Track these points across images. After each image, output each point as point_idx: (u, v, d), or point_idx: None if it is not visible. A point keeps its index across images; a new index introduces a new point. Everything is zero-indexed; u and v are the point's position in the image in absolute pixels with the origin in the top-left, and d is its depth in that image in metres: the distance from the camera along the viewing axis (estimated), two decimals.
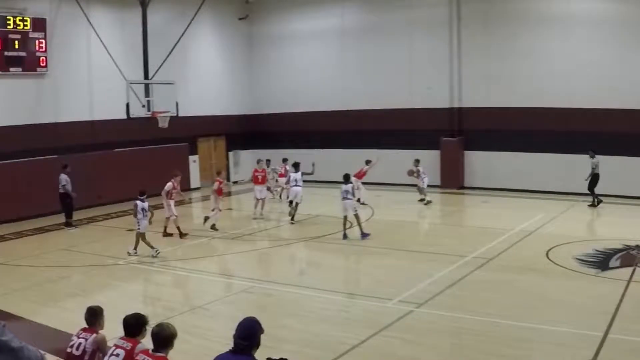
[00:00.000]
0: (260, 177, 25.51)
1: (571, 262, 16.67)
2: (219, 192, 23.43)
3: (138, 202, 19.19)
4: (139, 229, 19.15)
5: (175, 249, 20.42)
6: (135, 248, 19.24)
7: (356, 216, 20.99)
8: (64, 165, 24.57)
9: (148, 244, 19.13)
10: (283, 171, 28.97)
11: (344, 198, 20.87)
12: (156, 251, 19.10)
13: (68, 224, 24.43)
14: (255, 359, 6.10)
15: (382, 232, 21.02)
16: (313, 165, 26.41)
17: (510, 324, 12.13)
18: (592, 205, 25.46)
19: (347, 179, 21.48)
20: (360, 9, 33.88)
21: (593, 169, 25.24)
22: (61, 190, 24.18)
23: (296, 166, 25.43)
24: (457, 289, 14.91)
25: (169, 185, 22.12)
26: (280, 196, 29.28)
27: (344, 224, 21.07)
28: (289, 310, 13.89)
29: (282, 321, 12.69)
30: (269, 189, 28.10)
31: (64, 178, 24.21)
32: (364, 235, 20.63)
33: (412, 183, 28.20)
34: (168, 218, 22.21)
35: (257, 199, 25.28)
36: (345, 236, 20.79)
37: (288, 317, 13.21)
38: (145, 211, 19.23)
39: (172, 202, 22.06)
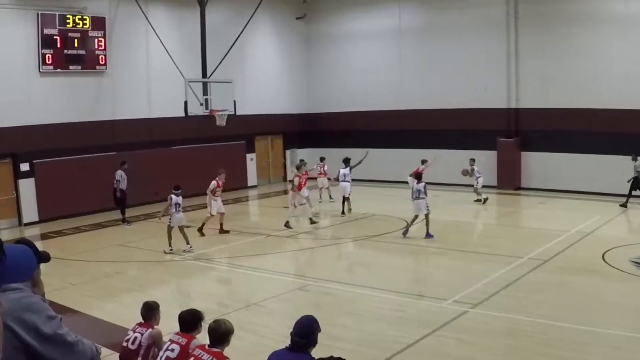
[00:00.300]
0: (303, 181, 25.21)
1: (627, 264, 16.43)
2: (299, 187, 23.43)
3: (173, 196, 19.44)
4: (170, 222, 19.44)
5: (231, 246, 20.64)
6: (187, 243, 19.56)
7: (426, 215, 20.92)
8: (122, 161, 25.03)
9: (170, 238, 19.48)
10: (322, 171, 28.68)
11: (417, 197, 20.75)
12: (170, 249, 19.47)
13: (123, 220, 24.86)
14: (313, 357, 6.18)
15: (439, 232, 20.92)
16: (367, 152, 26.55)
17: (565, 326, 12.02)
18: (623, 205, 25.39)
19: (419, 178, 21.36)
20: (417, 8, 33.76)
21: (638, 171, 25.04)
22: (115, 186, 24.63)
23: (346, 162, 25.53)
24: (513, 289, 14.84)
25: (213, 183, 22.20)
26: (320, 195, 28.97)
27: (412, 222, 21.16)
28: (344, 309, 13.97)
29: (337, 320, 12.78)
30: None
31: (118, 174, 24.68)
32: (429, 236, 20.56)
33: (469, 183, 28.02)
34: (222, 214, 22.43)
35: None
36: (405, 233, 20.81)
37: (343, 316, 13.31)
38: (179, 206, 19.49)
39: (218, 200, 22.22)
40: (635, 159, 25.00)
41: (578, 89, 28.37)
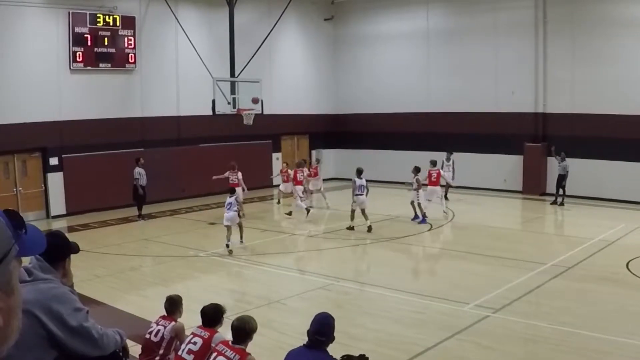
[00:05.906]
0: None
1: None
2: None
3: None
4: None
5: (256, 244, 20.74)
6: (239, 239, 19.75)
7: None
8: (137, 158, 25.36)
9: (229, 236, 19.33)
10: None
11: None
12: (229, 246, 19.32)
13: (139, 215, 25.16)
14: (329, 354, 6.24)
15: (461, 235, 20.96)
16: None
17: (586, 334, 11.96)
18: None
19: (360, 172, 22.74)
20: (445, 11, 33.64)
21: (567, 170, 26.81)
22: (135, 184, 24.90)
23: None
24: (535, 296, 14.82)
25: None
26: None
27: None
28: (364, 309, 14.04)
29: (357, 320, 12.88)
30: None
31: (136, 172, 25.00)
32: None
33: (494, 187, 27.80)
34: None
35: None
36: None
37: (363, 316, 13.38)
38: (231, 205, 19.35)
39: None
40: (563, 159, 27.30)
41: (607, 94, 28.05)
